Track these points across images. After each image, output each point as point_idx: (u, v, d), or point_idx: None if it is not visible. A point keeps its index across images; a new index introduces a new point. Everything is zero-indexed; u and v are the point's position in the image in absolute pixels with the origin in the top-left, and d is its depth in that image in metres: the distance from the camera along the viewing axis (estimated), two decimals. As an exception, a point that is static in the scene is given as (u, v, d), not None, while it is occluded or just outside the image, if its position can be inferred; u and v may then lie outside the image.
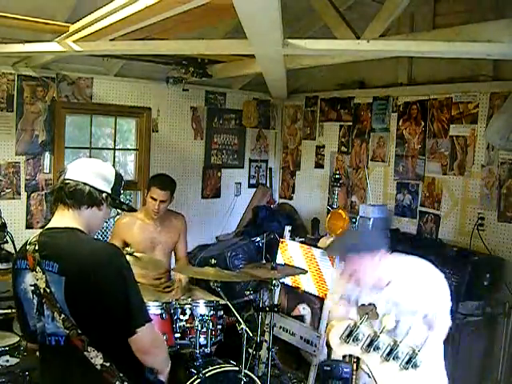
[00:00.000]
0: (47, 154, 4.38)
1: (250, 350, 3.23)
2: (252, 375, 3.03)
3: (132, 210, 2.30)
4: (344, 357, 1.59)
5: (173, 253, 3.98)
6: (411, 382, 1.21)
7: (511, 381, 3.35)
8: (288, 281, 3.98)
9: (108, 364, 1.74)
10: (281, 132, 5.86)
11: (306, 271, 3.57)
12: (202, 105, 5.27)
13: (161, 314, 2.95)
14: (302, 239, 4.36)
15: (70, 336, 1.72)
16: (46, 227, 1.86)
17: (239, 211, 5.68)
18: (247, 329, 3.05)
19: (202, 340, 3.02)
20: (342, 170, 4.97)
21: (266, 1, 2.11)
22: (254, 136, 5.72)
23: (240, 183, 5.68)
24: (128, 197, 5.15)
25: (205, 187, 5.41)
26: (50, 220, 1.90)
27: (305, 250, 3.99)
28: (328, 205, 4.99)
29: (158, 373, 1.90)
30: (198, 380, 2.84)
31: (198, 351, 2.99)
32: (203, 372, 2.87)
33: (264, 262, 4.57)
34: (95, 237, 2.15)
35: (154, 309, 2.92)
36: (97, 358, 1.73)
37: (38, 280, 1.74)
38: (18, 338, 3.02)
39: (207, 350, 3.04)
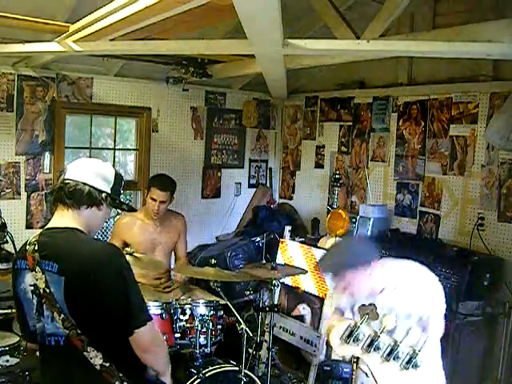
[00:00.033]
0: (47, 154, 4.38)
1: (250, 350, 3.23)
2: (252, 375, 3.03)
3: (132, 209, 2.30)
4: (343, 357, 1.59)
5: (173, 253, 3.98)
6: (411, 382, 1.21)
7: (511, 381, 3.35)
8: (288, 281, 3.98)
9: (107, 364, 1.74)
10: (281, 132, 5.86)
11: (306, 271, 3.57)
12: (202, 105, 5.27)
13: (161, 314, 2.96)
14: (302, 239, 4.37)
15: (69, 336, 1.72)
16: (46, 227, 1.86)
17: (239, 211, 5.68)
18: (247, 329, 3.05)
19: (202, 340, 3.02)
20: (342, 169, 4.97)
21: (266, 1, 2.11)
22: (254, 136, 5.72)
23: (240, 183, 5.68)
24: (128, 197, 5.15)
25: (205, 187, 5.41)
26: (49, 220, 1.90)
27: (305, 250, 3.99)
28: (328, 205, 4.99)
29: (160, 374, 1.90)
30: (198, 380, 2.84)
31: (197, 351, 2.99)
32: (203, 372, 2.87)
33: (264, 262, 4.56)
34: (95, 237, 2.15)
35: (154, 309, 2.92)
36: (96, 358, 1.73)
37: (37, 280, 1.74)
38: (18, 338, 3.02)
39: (207, 350, 3.04)
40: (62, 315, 1.71)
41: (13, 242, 3.46)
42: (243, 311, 4.17)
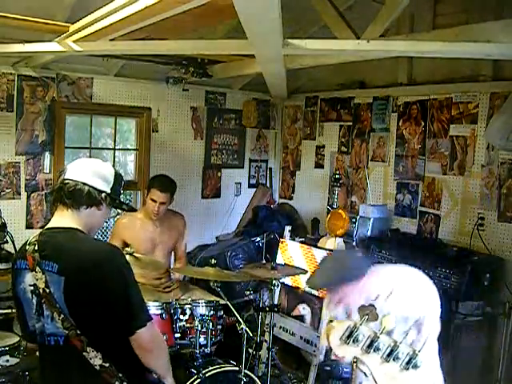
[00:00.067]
0: (47, 154, 4.38)
1: (250, 350, 3.23)
2: (252, 375, 3.03)
3: (132, 209, 2.30)
4: (343, 358, 1.59)
5: (172, 252, 3.98)
6: (411, 382, 1.21)
7: (511, 381, 3.35)
8: (288, 281, 3.98)
9: (107, 364, 1.74)
10: (281, 132, 5.86)
11: (306, 271, 3.57)
12: (202, 105, 5.27)
13: (161, 314, 2.96)
14: (302, 239, 4.37)
15: (69, 336, 1.72)
16: (46, 227, 1.86)
17: (239, 211, 5.68)
18: (247, 329, 3.05)
19: (202, 340, 3.03)
20: (342, 170, 4.97)
21: (266, 1, 2.10)
22: (254, 136, 5.72)
23: (240, 183, 5.68)
24: (128, 197, 5.15)
25: (205, 187, 5.41)
26: (49, 220, 1.90)
27: (305, 250, 3.99)
28: (328, 205, 4.99)
29: (161, 377, 1.90)
30: (198, 380, 2.84)
31: (197, 351, 2.99)
32: (203, 372, 2.87)
33: (264, 262, 4.57)
34: (95, 237, 2.15)
35: (153, 309, 2.92)
36: (96, 359, 1.73)
37: (37, 280, 1.74)
38: (18, 338, 3.02)
39: (207, 350, 3.04)
40: (62, 315, 1.71)
41: (13, 242, 3.46)
42: (243, 311, 4.17)
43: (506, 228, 3.67)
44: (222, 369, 2.98)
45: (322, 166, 5.29)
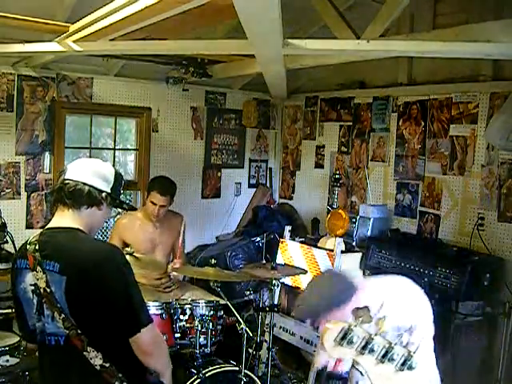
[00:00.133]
0: (47, 154, 4.38)
1: (250, 350, 3.24)
2: (252, 375, 3.03)
3: (132, 208, 2.30)
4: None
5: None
6: (407, 383, 1.21)
7: (511, 381, 3.35)
8: (288, 281, 3.98)
9: (107, 364, 1.74)
10: (281, 132, 5.86)
11: (306, 271, 3.58)
12: (201, 105, 5.27)
13: (161, 314, 2.96)
14: (302, 239, 4.37)
15: (69, 336, 1.72)
16: (47, 227, 1.86)
17: (239, 211, 5.68)
18: (247, 329, 3.05)
19: (201, 340, 3.03)
20: (342, 170, 4.97)
21: (266, 1, 2.10)
22: (254, 136, 5.73)
23: (240, 183, 5.68)
24: (128, 197, 5.15)
25: (205, 187, 5.41)
26: (50, 220, 1.90)
27: (305, 250, 3.99)
28: (328, 205, 4.99)
29: (160, 376, 1.90)
30: (198, 380, 2.84)
31: (197, 351, 3.00)
32: (203, 372, 2.87)
33: (264, 262, 4.57)
34: (95, 237, 2.15)
35: (153, 309, 2.93)
36: (96, 359, 1.73)
37: (38, 280, 1.74)
38: (18, 338, 3.02)
39: (207, 350, 3.04)
40: (63, 315, 1.71)
41: (13, 242, 3.47)
42: (243, 311, 4.17)
43: (506, 228, 3.67)
44: (222, 369, 2.98)
45: (322, 166, 5.29)
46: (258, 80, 4.62)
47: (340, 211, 4.05)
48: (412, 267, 3.57)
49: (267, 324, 3.36)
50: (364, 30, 2.84)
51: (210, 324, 3.03)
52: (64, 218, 1.84)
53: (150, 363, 1.83)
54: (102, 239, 4.80)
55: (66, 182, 1.84)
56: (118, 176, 1.96)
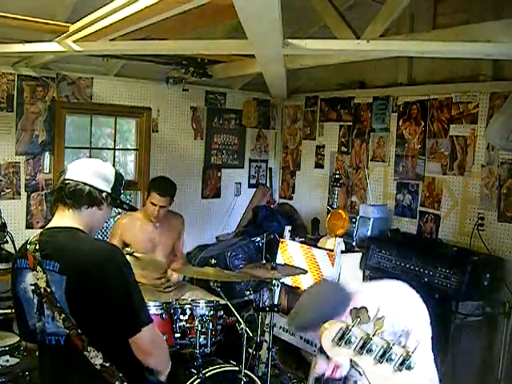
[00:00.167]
0: (47, 154, 4.38)
1: (250, 350, 3.24)
2: (252, 375, 3.03)
3: (133, 209, 2.30)
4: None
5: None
6: (405, 383, 1.21)
7: (511, 381, 3.35)
8: (288, 281, 3.98)
9: (108, 364, 1.74)
10: (281, 132, 5.86)
11: (306, 271, 3.58)
12: (201, 105, 5.27)
13: (161, 314, 2.96)
14: (302, 239, 4.37)
15: (70, 335, 1.72)
16: (47, 227, 1.86)
17: (239, 211, 5.68)
18: (247, 329, 3.05)
19: (202, 340, 3.03)
20: (342, 170, 4.97)
21: (266, 1, 2.10)
22: (254, 136, 5.73)
23: (240, 183, 5.68)
24: (128, 197, 5.15)
25: (205, 187, 5.41)
26: (50, 220, 1.90)
27: (305, 250, 4.00)
28: (328, 205, 4.99)
29: (159, 374, 1.90)
30: (198, 380, 2.84)
31: (197, 351, 3.00)
32: (203, 372, 2.87)
33: (264, 262, 4.57)
34: (96, 236, 2.15)
35: (153, 309, 2.93)
36: (96, 358, 1.73)
37: (38, 279, 1.74)
38: (18, 338, 3.02)
39: (207, 350, 3.04)
40: (63, 314, 1.71)
41: (13, 242, 3.47)
42: (243, 311, 4.17)
43: (506, 228, 3.67)
44: (222, 369, 2.98)
45: (322, 166, 5.29)
46: (258, 80, 4.62)
47: (340, 211, 4.05)
48: (412, 267, 3.57)
49: (267, 324, 3.36)
50: (364, 30, 2.84)
51: (210, 324, 3.03)
52: (64, 218, 1.84)
53: (150, 363, 1.83)
54: (102, 239, 4.80)
55: (67, 181, 1.84)
56: (118, 176, 1.96)
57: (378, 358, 1.19)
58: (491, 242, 3.73)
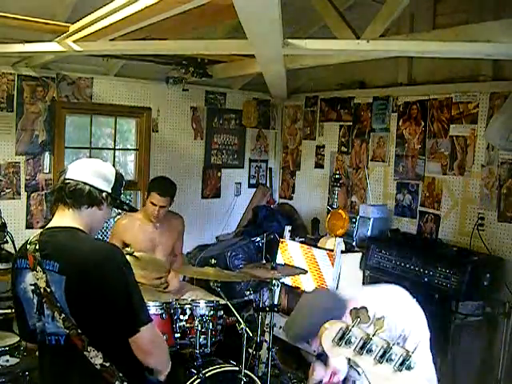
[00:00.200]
0: (47, 154, 4.38)
1: (250, 350, 3.24)
2: (252, 375, 3.03)
3: (133, 209, 2.30)
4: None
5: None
6: (405, 383, 1.21)
7: (511, 381, 3.35)
8: (288, 281, 3.98)
9: (108, 364, 1.74)
10: (281, 132, 5.86)
11: (306, 271, 3.58)
12: (201, 105, 5.27)
13: (161, 314, 2.96)
14: (302, 239, 4.37)
15: (70, 335, 1.72)
16: (47, 227, 1.86)
17: (239, 211, 5.68)
18: (247, 329, 3.05)
19: (201, 340, 3.03)
20: (342, 170, 4.97)
21: (266, 1, 2.11)
22: (254, 136, 5.73)
23: (240, 183, 5.68)
24: (128, 197, 5.15)
25: (205, 187, 5.41)
26: (50, 220, 1.90)
27: (305, 250, 4.00)
28: (328, 205, 4.99)
29: (159, 373, 1.90)
30: (198, 380, 2.84)
31: (198, 351, 3.00)
32: (203, 372, 2.87)
33: (264, 262, 4.57)
34: (96, 237, 2.15)
35: (153, 309, 2.93)
36: (96, 358, 1.73)
37: (38, 279, 1.74)
38: (18, 338, 3.02)
39: (207, 350, 3.05)
40: (63, 314, 1.71)
41: (13, 242, 3.47)
42: (243, 311, 4.17)
43: (506, 228, 3.67)
44: (222, 369, 2.99)
45: (322, 166, 5.29)
46: (258, 80, 4.62)
47: (340, 211, 4.05)
48: (412, 267, 3.57)
49: (267, 324, 3.36)
50: (364, 30, 2.84)
51: (210, 324, 3.03)
52: (64, 218, 1.84)
53: (150, 363, 1.83)
54: (103, 239, 4.80)
55: (67, 181, 1.84)
56: (118, 176, 1.96)
57: (378, 358, 1.19)
58: (491, 242, 3.73)
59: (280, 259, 4.14)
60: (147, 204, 3.68)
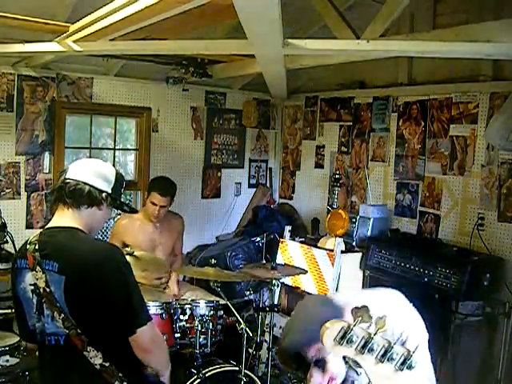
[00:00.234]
0: (47, 154, 4.38)
1: (250, 350, 3.24)
2: (252, 375, 3.03)
3: (133, 210, 2.30)
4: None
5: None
6: (406, 383, 1.21)
7: (511, 381, 3.35)
8: (288, 281, 3.98)
9: (107, 364, 1.74)
10: (281, 132, 5.86)
11: (306, 271, 3.57)
12: (201, 105, 5.27)
13: (161, 314, 2.96)
14: (302, 239, 4.37)
15: (69, 335, 1.72)
16: (46, 227, 1.86)
17: (239, 211, 5.68)
18: (247, 329, 3.05)
19: (201, 340, 3.03)
20: (342, 170, 4.97)
21: (266, 1, 2.11)
22: (254, 136, 5.73)
23: (240, 183, 5.68)
24: (128, 197, 5.15)
25: (205, 187, 5.41)
26: (50, 220, 1.90)
27: (305, 250, 4.00)
28: (328, 205, 4.99)
29: (159, 374, 1.90)
30: (198, 380, 2.84)
31: (198, 351, 3.00)
32: (203, 372, 2.87)
33: (264, 262, 4.57)
34: (96, 237, 2.15)
35: (153, 309, 2.93)
36: (96, 358, 1.73)
37: (37, 279, 1.74)
38: (18, 338, 3.02)
39: (207, 350, 3.05)
40: (62, 314, 1.71)
41: (13, 241, 3.47)
42: (243, 311, 4.17)
43: (506, 228, 3.66)
44: (222, 369, 2.99)
45: (322, 166, 5.29)
46: (258, 80, 4.62)
47: (340, 211, 4.05)
48: (412, 267, 3.57)
49: (267, 324, 3.36)
50: (364, 30, 2.84)
51: (210, 324, 3.03)
52: (64, 218, 1.84)
53: (150, 362, 1.83)
54: (102, 239, 4.80)
55: (67, 181, 1.85)
56: (118, 176, 1.96)
57: (379, 357, 1.19)
58: (491, 242, 3.72)
59: (280, 259, 4.14)
60: (147, 204, 3.68)
